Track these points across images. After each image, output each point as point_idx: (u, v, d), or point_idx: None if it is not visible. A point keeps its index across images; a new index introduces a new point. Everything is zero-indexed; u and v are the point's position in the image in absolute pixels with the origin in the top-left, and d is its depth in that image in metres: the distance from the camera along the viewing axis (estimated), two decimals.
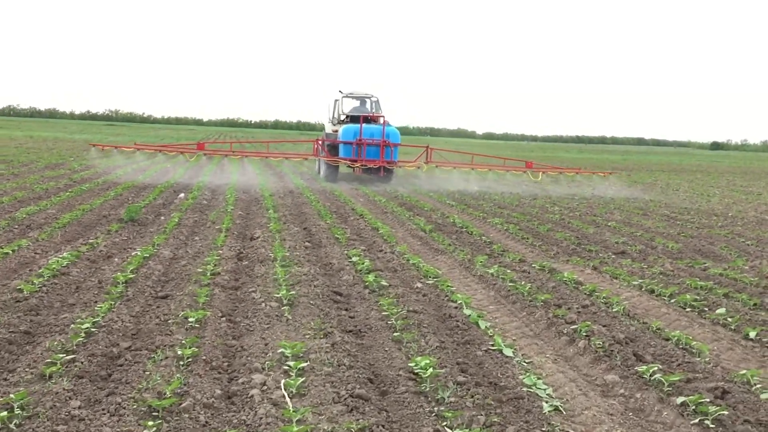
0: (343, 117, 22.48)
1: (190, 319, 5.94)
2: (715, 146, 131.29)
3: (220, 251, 9.14)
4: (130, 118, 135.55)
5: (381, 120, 21.95)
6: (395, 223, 13.12)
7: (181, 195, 15.26)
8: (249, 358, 5.28)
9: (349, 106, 23.24)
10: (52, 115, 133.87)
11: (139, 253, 8.48)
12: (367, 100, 23.17)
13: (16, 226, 10.22)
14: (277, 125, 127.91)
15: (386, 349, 5.71)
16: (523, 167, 23.76)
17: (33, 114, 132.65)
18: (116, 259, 8.39)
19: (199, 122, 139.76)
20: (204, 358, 5.15)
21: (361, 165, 21.08)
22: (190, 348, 5.25)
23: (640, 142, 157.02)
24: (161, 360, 5.09)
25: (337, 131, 21.89)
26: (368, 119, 21.85)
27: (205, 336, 5.66)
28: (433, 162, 22.85)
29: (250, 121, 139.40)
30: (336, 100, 23.32)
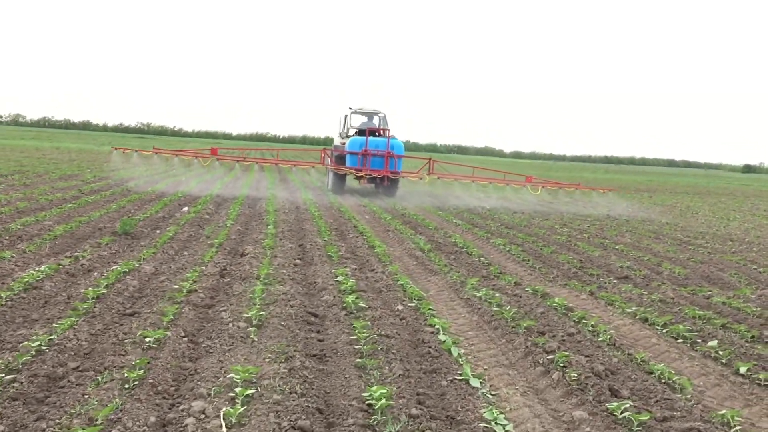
0: (352, 131, 23.86)
1: (148, 339, 5.73)
2: (748, 169, 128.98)
3: (204, 267, 8.96)
4: (162, 131, 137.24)
5: (386, 133, 23.17)
6: (395, 242, 12.88)
7: (185, 209, 15.18)
8: (199, 383, 5.06)
9: (357, 121, 24.67)
10: (85, 127, 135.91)
11: (119, 268, 8.33)
12: (375, 116, 24.54)
13: (7, 238, 10.14)
14: (305, 140, 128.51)
15: (346, 376, 5.45)
16: (523, 181, 24.24)
17: (67, 126, 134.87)
18: (95, 274, 8.25)
19: (228, 136, 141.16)
20: (151, 381, 4.94)
21: (366, 174, 22.15)
22: (139, 370, 5.06)
23: (670, 163, 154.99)
24: (105, 383, 4.90)
25: (345, 144, 23.10)
26: (374, 132, 23.13)
27: (160, 357, 5.46)
28: (435, 173, 23.81)
29: (278, 136, 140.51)
30: (346, 116, 24.59)
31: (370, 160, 22.07)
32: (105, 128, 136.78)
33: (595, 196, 24.57)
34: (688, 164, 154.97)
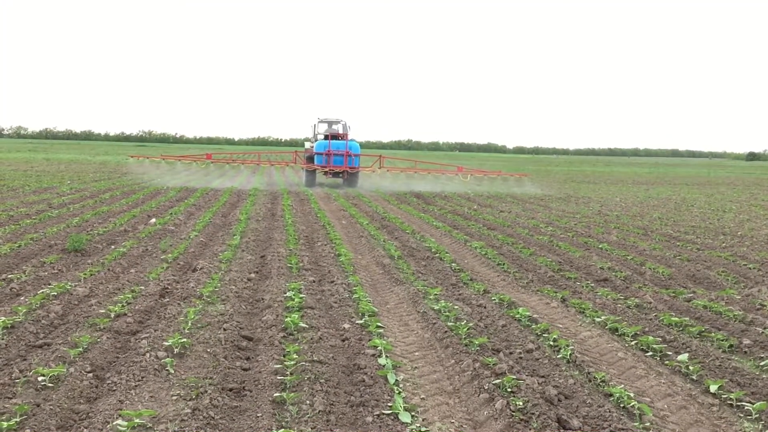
0: (319, 137, 29.61)
1: (42, 378, 5.12)
2: (752, 157, 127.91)
3: (144, 287, 8.35)
4: (163, 139, 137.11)
5: (347, 137, 28.92)
6: (365, 249, 12.25)
7: (152, 220, 14.58)
8: (84, 431, 4.46)
9: (323, 128, 30.34)
10: (87, 137, 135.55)
11: (47, 291, 7.73)
12: (338, 124, 30.01)
13: None
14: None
15: (259, 414, 4.84)
16: (455, 171, 30.72)
17: (69, 136, 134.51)
18: (22, 299, 7.64)
19: (230, 141, 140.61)
20: (28, 431, 4.34)
21: (330, 169, 27.89)
22: (20, 417, 4.47)
23: (674, 153, 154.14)
24: None
25: (313, 146, 28.79)
26: (336, 137, 28.83)
27: (52, 399, 4.85)
28: (385, 167, 30.15)
29: (281, 139, 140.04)
30: (314, 124, 30.41)
31: (332, 159, 27.71)
32: (107, 137, 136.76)
33: (513, 181, 29.87)
34: (692, 154, 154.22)
